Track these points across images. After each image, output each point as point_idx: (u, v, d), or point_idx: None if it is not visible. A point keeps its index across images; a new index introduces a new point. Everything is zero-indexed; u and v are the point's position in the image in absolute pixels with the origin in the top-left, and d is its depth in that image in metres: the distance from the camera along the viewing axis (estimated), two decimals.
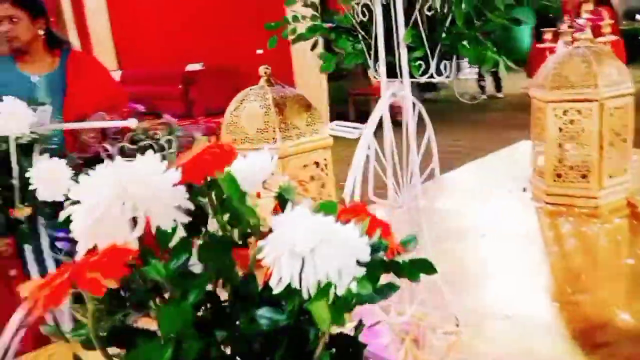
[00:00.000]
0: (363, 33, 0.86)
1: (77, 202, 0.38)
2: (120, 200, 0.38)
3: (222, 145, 0.46)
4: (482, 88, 8.92)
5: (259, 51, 6.98)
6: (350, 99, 7.21)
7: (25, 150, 1.27)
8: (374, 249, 0.45)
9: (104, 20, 8.75)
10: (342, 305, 0.40)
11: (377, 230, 0.45)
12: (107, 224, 0.37)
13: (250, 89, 1.07)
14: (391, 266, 0.45)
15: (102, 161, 1.34)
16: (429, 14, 0.79)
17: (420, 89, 7.44)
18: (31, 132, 1.24)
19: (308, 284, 0.37)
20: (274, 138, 0.99)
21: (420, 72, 0.84)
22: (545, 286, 1.03)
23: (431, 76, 0.85)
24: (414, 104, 0.92)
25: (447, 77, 0.87)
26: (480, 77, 9.06)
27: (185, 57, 7.42)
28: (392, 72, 0.86)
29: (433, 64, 0.84)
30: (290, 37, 0.90)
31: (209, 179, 0.44)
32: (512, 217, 1.45)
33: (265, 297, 0.40)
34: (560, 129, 1.45)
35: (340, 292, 0.40)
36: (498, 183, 1.72)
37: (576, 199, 1.45)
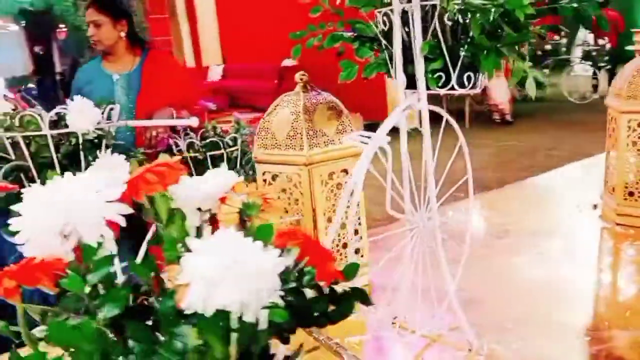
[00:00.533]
0: (385, 42, 0.84)
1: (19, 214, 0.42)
2: (51, 217, 0.41)
3: (169, 163, 0.47)
4: (595, 87, 8.26)
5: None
6: (441, 98, 7.00)
7: (93, 146, 1.39)
8: (299, 276, 0.44)
9: (212, 17, 9.25)
10: (248, 334, 0.40)
11: (306, 258, 0.44)
12: (40, 238, 0.41)
13: (286, 95, 1.08)
14: (319, 294, 0.44)
15: (172, 154, 1.43)
16: (450, 23, 0.76)
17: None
18: (97, 129, 1.35)
19: (207, 312, 0.38)
20: (301, 145, 1.00)
21: (441, 83, 0.81)
22: (582, 316, 0.94)
23: (452, 88, 0.81)
24: (439, 115, 0.89)
25: (472, 88, 0.82)
26: (594, 75, 8.41)
27: (283, 53, 7.65)
28: (413, 82, 0.83)
29: (454, 76, 0.80)
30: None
31: (150, 196, 0.46)
32: (571, 236, 1.34)
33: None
34: (635, 143, 1.31)
35: (248, 319, 0.40)
36: (568, 197, 1.59)
37: None
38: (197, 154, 1.81)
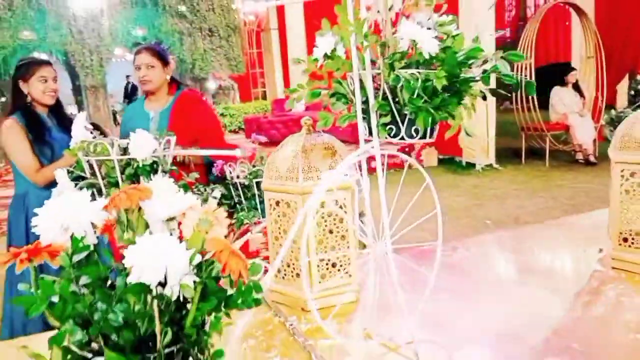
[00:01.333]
0: (354, 98, 1.04)
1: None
2: (56, 220, 0.65)
3: (140, 187, 0.71)
4: None
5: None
6: (522, 134, 6.89)
7: (151, 171, 1.69)
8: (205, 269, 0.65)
9: (302, 54, 9.76)
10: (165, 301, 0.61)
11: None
12: (48, 231, 0.65)
13: (292, 136, 1.30)
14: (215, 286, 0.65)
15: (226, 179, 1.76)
16: (391, 88, 0.94)
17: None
18: (153, 157, 1.65)
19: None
20: (297, 178, 1.21)
21: (392, 134, 0.99)
22: (539, 343, 1.05)
23: (402, 138, 0.99)
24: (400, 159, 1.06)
25: (423, 138, 1.00)
26: None
27: None
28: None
29: (403, 128, 0.98)
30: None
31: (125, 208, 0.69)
32: (564, 276, 1.42)
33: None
34: (627, 191, 1.38)
35: (166, 292, 0.62)
36: (579, 241, 1.66)
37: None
38: (244, 180, 2.08)
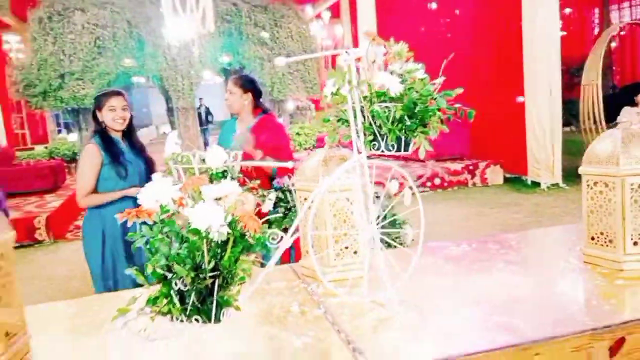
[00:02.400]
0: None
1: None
2: (151, 194, 1.13)
3: (200, 178, 1.17)
4: None
5: (520, 99, 7.29)
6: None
7: (222, 176, 2.18)
8: (232, 225, 1.10)
9: None
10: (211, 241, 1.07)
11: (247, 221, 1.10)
12: (147, 201, 1.13)
13: (319, 149, 1.74)
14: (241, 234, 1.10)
15: (282, 188, 2.43)
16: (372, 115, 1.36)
17: None
18: (225, 166, 2.14)
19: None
20: (317, 180, 1.65)
21: (375, 148, 1.40)
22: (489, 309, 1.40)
23: (382, 151, 1.39)
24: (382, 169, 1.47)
25: (398, 151, 1.40)
26: None
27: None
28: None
29: (382, 144, 1.38)
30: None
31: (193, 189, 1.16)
32: (539, 266, 1.73)
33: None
34: (592, 197, 1.68)
35: (211, 236, 1.08)
36: (572, 243, 1.93)
37: (604, 261, 1.65)
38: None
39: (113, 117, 2.77)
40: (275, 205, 2.52)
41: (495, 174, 7.63)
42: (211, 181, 2.22)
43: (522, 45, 6.99)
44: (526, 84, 7.06)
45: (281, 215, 2.48)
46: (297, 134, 12.07)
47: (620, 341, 1.29)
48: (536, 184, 6.98)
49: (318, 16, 13.82)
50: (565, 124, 7.95)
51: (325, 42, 13.10)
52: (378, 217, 1.63)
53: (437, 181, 7.46)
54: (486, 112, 7.89)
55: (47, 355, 1.29)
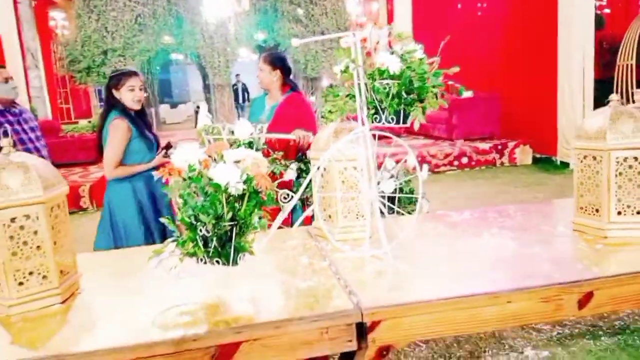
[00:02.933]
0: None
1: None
2: (181, 156, 1.35)
3: (222, 143, 1.39)
4: None
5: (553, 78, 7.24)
6: None
7: (248, 147, 2.40)
8: (247, 182, 1.32)
9: None
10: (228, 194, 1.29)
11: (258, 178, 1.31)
12: (179, 161, 1.35)
13: (332, 122, 1.93)
14: (254, 190, 1.31)
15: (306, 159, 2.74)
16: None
17: None
18: (251, 138, 2.36)
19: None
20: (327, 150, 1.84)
21: (377, 121, 1.58)
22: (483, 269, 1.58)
23: (383, 123, 1.58)
24: (387, 137, 1.65)
25: (398, 123, 1.58)
26: None
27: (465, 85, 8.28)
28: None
29: (383, 117, 1.57)
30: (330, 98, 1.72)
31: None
32: (529, 232, 1.89)
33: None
34: (582, 170, 1.82)
35: (229, 190, 1.30)
36: (568, 213, 2.08)
37: (590, 229, 1.80)
38: None
39: (132, 97, 2.85)
40: (299, 176, 2.73)
41: (525, 154, 7.64)
42: None
43: (557, 25, 6.93)
44: (560, 63, 7.01)
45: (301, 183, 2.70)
46: (330, 111, 12.22)
47: (589, 295, 1.45)
48: (565, 165, 6.98)
49: None
50: (597, 104, 7.84)
51: (360, 19, 13.11)
52: (395, 190, 1.82)
53: (465, 160, 7.54)
54: (518, 91, 7.88)
55: (94, 290, 1.55)
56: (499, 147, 7.67)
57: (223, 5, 11.45)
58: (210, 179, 1.32)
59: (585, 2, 6.58)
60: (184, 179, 1.36)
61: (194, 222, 1.34)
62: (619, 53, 6.90)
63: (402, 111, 1.55)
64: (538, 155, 7.70)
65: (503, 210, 2.21)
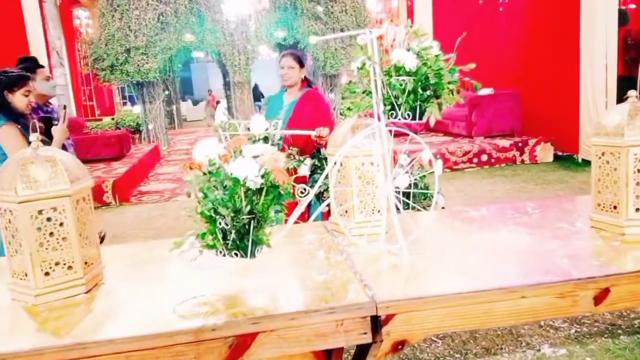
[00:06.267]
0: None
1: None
2: (201, 150, 1.39)
3: (241, 139, 1.42)
4: None
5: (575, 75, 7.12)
6: None
7: (265, 142, 2.43)
8: (265, 176, 1.35)
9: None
10: (246, 188, 1.33)
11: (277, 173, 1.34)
12: (199, 156, 1.39)
13: (349, 117, 1.95)
14: (272, 186, 1.34)
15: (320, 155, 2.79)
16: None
17: None
18: (266, 133, 2.39)
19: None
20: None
21: (393, 117, 1.60)
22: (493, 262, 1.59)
23: (399, 118, 1.59)
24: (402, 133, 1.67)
25: (413, 120, 1.59)
26: None
27: (485, 81, 8.22)
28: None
29: (399, 113, 1.58)
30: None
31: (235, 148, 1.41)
32: (546, 228, 1.89)
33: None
34: (600, 166, 1.81)
35: (247, 184, 1.33)
36: (586, 210, 2.07)
37: (608, 226, 1.79)
38: None
39: (27, 102, 2.77)
40: (313, 172, 2.76)
41: (546, 152, 7.55)
42: None
43: (579, 20, 6.82)
44: (582, 59, 6.90)
45: (316, 180, 2.73)
46: (349, 108, 12.21)
47: (605, 292, 1.45)
48: (587, 163, 6.87)
49: None
50: (620, 101, 7.69)
51: (380, 16, 13.08)
52: (409, 185, 1.83)
53: (484, 157, 7.48)
54: (539, 88, 7.78)
55: (116, 281, 1.60)
56: (520, 144, 7.59)
57: (244, 3, 11.53)
58: (229, 173, 1.35)
59: None
60: (204, 173, 1.40)
61: (214, 215, 1.37)
62: None
63: (418, 107, 1.56)
64: (559, 153, 7.61)
65: (520, 206, 2.20)
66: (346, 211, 1.92)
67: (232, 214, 1.34)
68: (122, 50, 11.05)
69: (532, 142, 7.57)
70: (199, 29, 11.72)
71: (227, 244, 1.37)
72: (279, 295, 1.41)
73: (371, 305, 1.33)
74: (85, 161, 7.92)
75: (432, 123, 1.55)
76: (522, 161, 7.55)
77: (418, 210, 2.32)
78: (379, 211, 1.90)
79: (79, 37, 13.41)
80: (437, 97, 1.55)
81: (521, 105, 7.93)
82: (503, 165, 7.51)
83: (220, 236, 1.37)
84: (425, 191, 2.48)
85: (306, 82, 3.24)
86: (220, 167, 1.39)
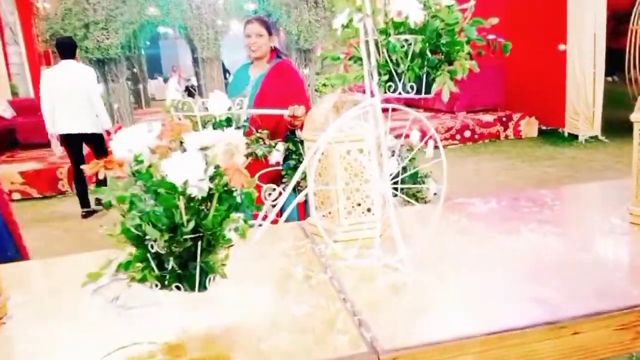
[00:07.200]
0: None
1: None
2: (123, 143, 0.97)
3: (180, 123, 1.00)
4: None
5: (562, 47, 6.80)
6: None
7: (227, 124, 2.01)
8: (216, 178, 0.93)
9: None
10: (185, 197, 0.91)
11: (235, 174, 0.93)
12: (119, 151, 0.97)
13: (330, 94, 1.54)
14: (226, 190, 0.93)
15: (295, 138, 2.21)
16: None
17: None
18: (228, 114, 1.97)
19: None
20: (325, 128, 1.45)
21: (391, 90, 1.19)
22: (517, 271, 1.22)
23: (400, 93, 1.19)
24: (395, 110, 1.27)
25: (418, 94, 1.19)
26: None
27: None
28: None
29: (400, 85, 1.18)
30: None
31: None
32: (577, 227, 1.53)
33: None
34: None
35: (188, 191, 0.91)
36: (615, 200, 1.71)
37: None
38: None
39: None
40: (287, 158, 2.35)
41: (530, 127, 7.26)
42: (214, 130, 2.05)
43: None
44: (569, 30, 6.57)
45: (292, 167, 2.31)
46: (324, 84, 11.73)
47: None
48: (573, 137, 6.61)
49: None
50: (608, 73, 7.43)
51: None
52: (397, 173, 1.44)
53: (467, 134, 7.15)
54: (524, 60, 7.43)
55: (23, 318, 1.17)
56: (504, 119, 7.27)
57: None
58: (163, 176, 0.93)
59: None
60: (129, 175, 0.98)
61: (142, 236, 0.96)
62: (632, 16, 6.47)
63: (424, 77, 1.16)
64: (544, 127, 7.32)
65: (537, 197, 1.83)
66: (329, 212, 1.53)
67: (166, 235, 0.92)
68: (80, 25, 10.29)
69: (516, 116, 7.26)
70: (162, 2, 11.00)
71: (164, 276, 0.96)
72: (241, 342, 1.01)
73: (371, 356, 0.95)
74: (39, 145, 7.30)
75: (445, 98, 1.14)
76: (506, 137, 7.24)
77: (409, 202, 1.91)
78: (369, 210, 1.51)
79: (35, 12, 12.52)
80: (450, 63, 1.15)
81: (505, 78, 7.58)
82: (487, 141, 7.20)
83: (154, 264, 0.96)
84: (421, 186, 2.09)
85: (276, 53, 2.79)
86: (152, 165, 0.97)
